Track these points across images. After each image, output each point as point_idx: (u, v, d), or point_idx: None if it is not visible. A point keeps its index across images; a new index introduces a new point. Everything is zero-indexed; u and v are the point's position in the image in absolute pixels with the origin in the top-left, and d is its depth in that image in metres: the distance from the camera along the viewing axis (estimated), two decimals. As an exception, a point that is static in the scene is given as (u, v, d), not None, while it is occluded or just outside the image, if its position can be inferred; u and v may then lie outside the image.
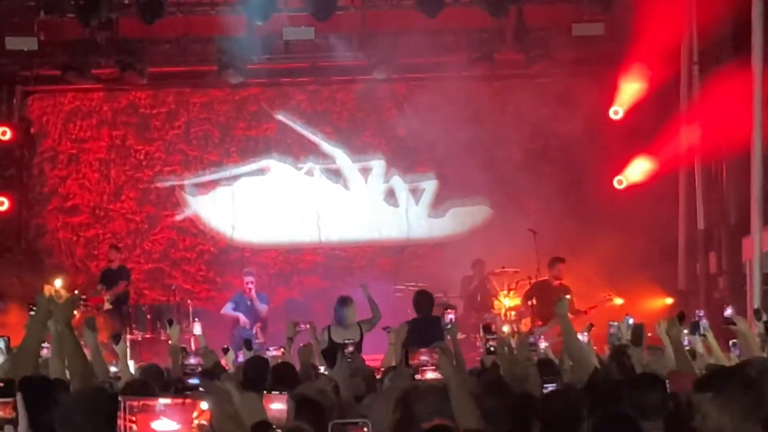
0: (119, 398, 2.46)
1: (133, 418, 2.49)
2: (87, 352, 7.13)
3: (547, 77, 20.32)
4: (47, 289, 6.34)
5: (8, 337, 6.49)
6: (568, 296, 15.86)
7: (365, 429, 3.86)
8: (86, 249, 20.78)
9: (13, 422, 4.16)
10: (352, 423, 3.95)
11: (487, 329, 9.46)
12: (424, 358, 7.27)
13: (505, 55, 19.66)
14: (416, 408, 6.10)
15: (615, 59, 19.36)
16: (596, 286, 18.66)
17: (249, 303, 17.87)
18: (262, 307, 17.89)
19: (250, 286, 17.90)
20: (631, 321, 10.38)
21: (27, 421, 4.19)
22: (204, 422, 2.43)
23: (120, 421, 2.48)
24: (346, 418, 6.86)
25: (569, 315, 15.69)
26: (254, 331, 17.26)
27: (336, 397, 7.75)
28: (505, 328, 9.12)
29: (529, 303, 17.49)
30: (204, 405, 2.73)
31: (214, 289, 20.51)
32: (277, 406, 5.52)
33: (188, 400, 2.47)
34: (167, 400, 2.46)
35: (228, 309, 18.00)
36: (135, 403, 2.49)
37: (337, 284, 18.87)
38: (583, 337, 11.66)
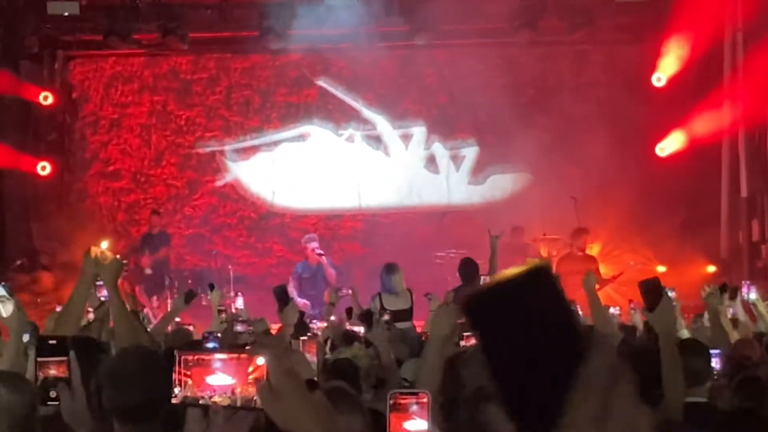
0: (175, 352, 2.44)
1: (189, 372, 2.47)
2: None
3: (590, 44, 20.20)
4: (93, 251, 6.30)
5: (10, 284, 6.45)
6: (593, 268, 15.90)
7: (425, 399, 3.82)
8: (127, 214, 20.86)
9: (67, 381, 4.15)
10: (412, 393, 3.91)
11: None
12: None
13: (548, 22, 19.48)
14: (462, 374, 6.09)
15: (658, 26, 19.19)
16: (638, 254, 18.64)
17: (315, 270, 17.01)
18: (332, 272, 17.00)
19: (319, 251, 17.09)
20: (672, 294, 10.32)
21: (80, 380, 4.18)
22: (259, 377, 2.41)
23: (175, 375, 2.47)
24: (388, 382, 6.87)
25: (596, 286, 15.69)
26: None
27: (375, 361, 7.76)
28: None
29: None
30: (260, 360, 2.71)
31: (254, 255, 20.55)
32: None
33: (243, 356, 2.45)
34: (223, 356, 2.45)
35: (292, 290, 16.48)
36: (191, 357, 2.48)
37: (377, 251, 18.84)
38: (614, 310, 11.68)
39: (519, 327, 1.80)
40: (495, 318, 1.82)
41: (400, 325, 11.64)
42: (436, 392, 5.12)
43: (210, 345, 9.32)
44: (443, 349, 5.37)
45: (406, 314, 13.00)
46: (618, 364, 1.80)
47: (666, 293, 5.58)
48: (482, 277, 13.02)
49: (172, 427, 4.70)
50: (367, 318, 9.50)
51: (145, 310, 14.83)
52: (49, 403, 4.13)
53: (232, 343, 9.11)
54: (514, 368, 1.82)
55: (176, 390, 2.45)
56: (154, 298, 17.26)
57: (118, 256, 6.48)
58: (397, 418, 3.78)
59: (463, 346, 7.31)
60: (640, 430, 1.81)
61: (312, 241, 17.35)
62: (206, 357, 2.39)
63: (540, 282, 1.81)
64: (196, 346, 7.75)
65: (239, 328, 10.34)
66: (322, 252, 17.17)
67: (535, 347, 1.79)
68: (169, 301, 17.03)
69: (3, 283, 5.44)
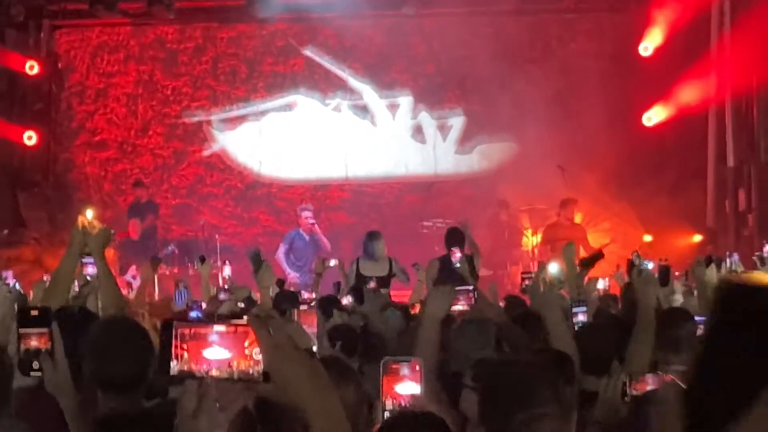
0: (174, 324, 2.45)
1: (185, 346, 2.47)
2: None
3: (577, 13, 20.20)
4: (80, 221, 6.34)
5: None
6: (577, 239, 16.00)
7: (417, 366, 3.85)
8: (114, 184, 20.84)
9: (49, 353, 4.15)
10: (405, 360, 3.94)
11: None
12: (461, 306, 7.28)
13: (535, -9, 19.53)
14: (457, 343, 6.12)
15: (645, -5, 19.23)
16: (625, 223, 18.72)
17: (308, 240, 17.04)
18: (326, 242, 17.06)
19: (312, 221, 17.11)
20: (650, 265, 10.38)
21: (62, 351, 4.18)
22: (256, 350, 2.42)
23: (173, 349, 2.47)
24: (378, 350, 6.90)
25: (582, 256, 15.83)
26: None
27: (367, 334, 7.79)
28: (553, 269, 9.11)
29: (546, 246, 17.45)
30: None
31: (241, 225, 20.55)
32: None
33: (240, 328, 2.45)
34: (221, 328, 2.45)
35: (281, 254, 17.01)
36: (187, 331, 2.47)
37: (364, 220, 18.91)
38: (603, 283, 11.75)
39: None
40: (752, 313, 1.89)
41: None
42: (432, 367, 5.21)
43: (193, 314, 9.34)
44: (437, 327, 5.53)
45: (383, 282, 13.09)
46: None
47: (645, 266, 5.68)
48: (456, 250, 12.85)
49: (163, 399, 4.72)
50: (357, 294, 9.52)
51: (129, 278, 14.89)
52: (31, 374, 4.12)
53: (211, 312, 9.15)
54: (741, 362, 1.88)
55: (173, 363, 2.45)
56: (133, 267, 17.20)
57: (104, 226, 6.51)
58: (389, 380, 3.82)
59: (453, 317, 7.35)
60: None
61: (306, 210, 17.39)
62: (203, 330, 2.39)
63: None
64: (180, 317, 7.76)
65: (222, 296, 10.39)
66: (314, 221, 17.23)
67: None
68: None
69: None
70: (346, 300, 9.74)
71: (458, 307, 7.23)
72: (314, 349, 5.64)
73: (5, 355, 4.33)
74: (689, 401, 1.99)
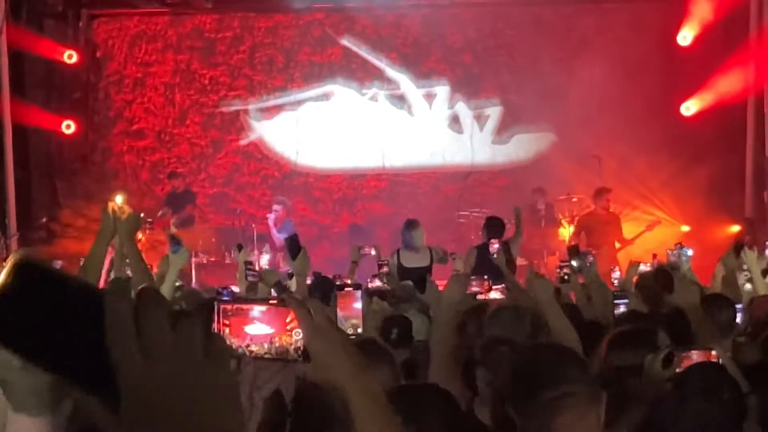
0: (215, 303, 2.47)
1: (227, 322, 2.50)
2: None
3: (615, 2, 20.10)
4: (110, 206, 6.37)
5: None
6: (612, 229, 16.04)
7: (357, 293, 3.90)
8: (151, 173, 20.92)
9: None
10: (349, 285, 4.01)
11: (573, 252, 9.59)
12: (475, 290, 7.32)
13: (573, -20, 19.47)
14: (492, 330, 6.13)
15: (684, -17, 19.14)
16: (662, 213, 18.68)
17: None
18: (278, 237, 17.50)
19: (269, 215, 18.01)
20: (690, 252, 10.35)
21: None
22: (297, 330, 2.43)
23: (214, 325, 2.49)
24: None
25: (617, 245, 15.86)
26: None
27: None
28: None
29: (580, 235, 17.39)
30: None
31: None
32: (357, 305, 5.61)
33: (282, 308, 2.47)
34: (262, 306, 2.47)
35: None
36: (229, 307, 2.50)
37: (401, 210, 18.89)
38: (645, 266, 11.70)
39: None
40: None
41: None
42: (450, 352, 5.29)
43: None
44: (453, 311, 5.68)
45: (424, 272, 13.01)
46: None
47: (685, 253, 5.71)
48: (494, 242, 12.95)
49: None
50: (419, 282, 9.50)
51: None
52: None
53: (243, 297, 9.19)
54: None
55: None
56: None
57: (142, 215, 6.55)
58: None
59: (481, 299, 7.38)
60: None
61: (276, 203, 18.27)
62: (245, 307, 2.42)
63: None
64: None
65: (250, 278, 10.40)
66: (270, 216, 18.09)
67: None
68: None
69: None
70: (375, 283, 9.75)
71: (494, 295, 7.26)
72: (359, 330, 5.64)
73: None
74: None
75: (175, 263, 8.23)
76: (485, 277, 7.28)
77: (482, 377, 5.11)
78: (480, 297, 7.59)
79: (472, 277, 7.19)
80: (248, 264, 9.92)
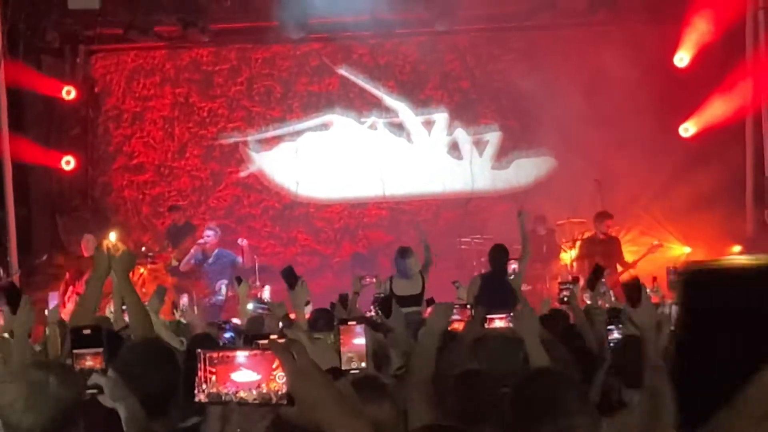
0: (198, 351, 2.46)
1: (213, 369, 2.48)
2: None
3: (611, 25, 20.11)
4: (104, 244, 6.40)
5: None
6: (613, 253, 16.03)
7: (359, 328, 3.91)
8: (152, 207, 20.92)
9: (103, 371, 4.21)
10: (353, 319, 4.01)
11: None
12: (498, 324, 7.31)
13: (568, 3, 19.47)
14: (486, 360, 6.09)
15: (680, 5, 19.15)
16: (663, 234, 18.65)
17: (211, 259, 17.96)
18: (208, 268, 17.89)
19: (200, 240, 18.10)
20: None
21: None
22: (281, 374, 2.43)
23: (200, 373, 2.48)
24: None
25: (618, 268, 15.81)
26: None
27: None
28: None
29: (582, 261, 17.39)
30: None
31: (279, 245, 20.59)
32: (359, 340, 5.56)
33: (268, 352, 2.47)
34: (246, 352, 2.46)
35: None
36: (215, 355, 2.49)
37: (402, 238, 18.85)
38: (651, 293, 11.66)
39: (738, 314, 1.86)
40: (717, 298, 1.88)
41: (406, 310, 11.55)
42: (429, 378, 5.31)
43: (227, 335, 9.34)
44: (435, 341, 5.72)
45: (416, 299, 12.98)
46: None
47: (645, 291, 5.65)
48: (512, 262, 13.00)
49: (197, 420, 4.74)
50: (385, 305, 9.47)
51: (182, 301, 14.93)
52: (87, 392, 4.19)
53: (254, 331, 9.14)
54: (714, 349, 1.88)
55: (204, 387, 2.47)
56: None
57: (143, 249, 6.57)
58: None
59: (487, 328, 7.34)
60: None
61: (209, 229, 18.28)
62: (230, 354, 2.41)
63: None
64: (211, 342, 7.84)
65: (259, 311, 10.38)
66: (204, 241, 18.06)
67: (744, 337, 1.85)
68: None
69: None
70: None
71: (498, 323, 7.24)
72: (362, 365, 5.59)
73: (75, 374, 4.37)
74: (677, 395, 1.98)
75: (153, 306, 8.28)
76: (468, 305, 7.26)
77: (454, 408, 5.07)
78: (485, 326, 7.56)
79: (456, 306, 7.18)
80: (257, 298, 9.94)
